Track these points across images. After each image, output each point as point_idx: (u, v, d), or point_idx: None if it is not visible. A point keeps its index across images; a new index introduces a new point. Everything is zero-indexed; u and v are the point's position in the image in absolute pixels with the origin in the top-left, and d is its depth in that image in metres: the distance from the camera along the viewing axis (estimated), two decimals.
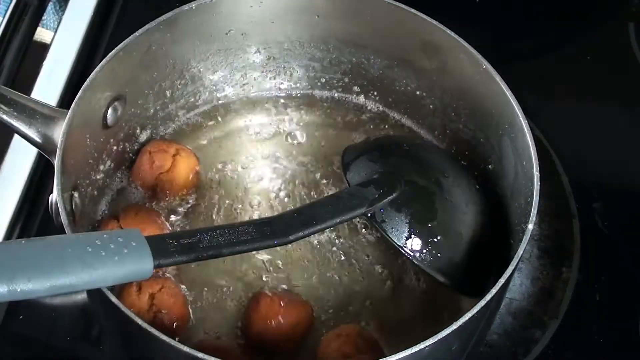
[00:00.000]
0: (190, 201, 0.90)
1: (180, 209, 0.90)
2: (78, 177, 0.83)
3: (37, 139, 0.80)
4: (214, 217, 0.90)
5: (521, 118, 0.81)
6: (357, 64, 0.96)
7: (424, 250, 0.81)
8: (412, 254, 0.81)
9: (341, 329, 0.82)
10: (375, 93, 0.97)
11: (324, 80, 0.98)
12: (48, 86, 1.01)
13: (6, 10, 1.04)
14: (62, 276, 0.61)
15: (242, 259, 0.87)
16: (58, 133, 0.79)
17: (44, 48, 1.05)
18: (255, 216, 0.90)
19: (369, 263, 0.88)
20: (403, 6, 0.88)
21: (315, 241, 0.89)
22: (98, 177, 0.88)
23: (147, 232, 0.69)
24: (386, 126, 0.97)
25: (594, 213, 0.98)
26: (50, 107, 0.82)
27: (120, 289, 0.81)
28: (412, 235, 0.81)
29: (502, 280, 0.73)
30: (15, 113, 0.80)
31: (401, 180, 0.83)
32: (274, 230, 0.75)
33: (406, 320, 0.85)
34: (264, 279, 0.87)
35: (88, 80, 0.81)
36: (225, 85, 0.97)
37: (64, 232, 0.74)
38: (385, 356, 0.68)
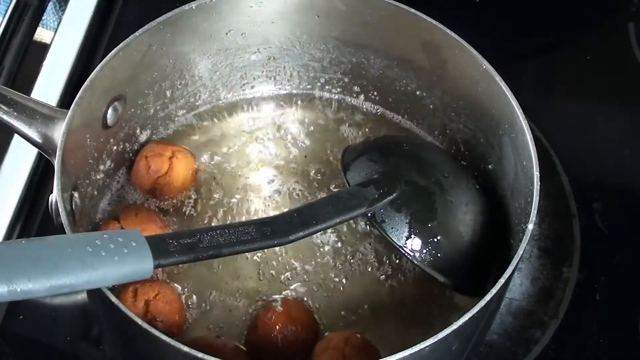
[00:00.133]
0: (190, 201, 0.90)
1: (180, 210, 0.90)
2: (78, 177, 0.83)
3: (37, 139, 0.80)
4: (213, 217, 0.90)
5: (521, 118, 0.81)
6: (357, 64, 0.96)
7: (424, 250, 0.81)
8: (412, 254, 0.81)
9: (328, 340, 0.81)
10: (375, 93, 0.97)
11: (324, 80, 0.98)
12: (48, 86, 1.01)
13: (6, 10, 1.04)
14: (62, 276, 0.61)
15: (241, 262, 0.87)
16: (58, 133, 0.79)
17: (44, 48, 1.05)
18: (255, 216, 0.90)
19: (368, 264, 0.88)
20: (403, 6, 0.88)
21: (314, 243, 0.89)
22: (98, 177, 0.88)
23: (147, 232, 0.69)
24: (386, 126, 0.97)
25: (594, 213, 0.98)
26: (50, 107, 0.82)
27: (115, 295, 0.81)
28: (412, 235, 0.81)
29: (502, 280, 0.73)
30: (15, 113, 0.80)
31: (401, 180, 0.83)
32: (274, 230, 0.75)
33: (405, 321, 0.85)
34: (263, 280, 0.87)
35: (88, 80, 0.81)
36: (225, 85, 0.97)
37: (64, 232, 0.74)
38: (382, 357, 0.68)
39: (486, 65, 0.85)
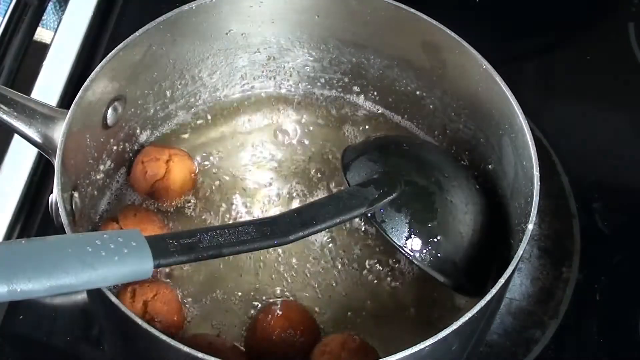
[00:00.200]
0: (189, 202, 0.90)
1: (179, 211, 0.90)
2: (78, 177, 0.83)
3: (37, 139, 0.80)
4: (213, 217, 0.90)
5: (521, 118, 0.81)
6: (357, 64, 0.96)
7: (424, 250, 0.81)
8: (412, 254, 0.81)
9: (325, 344, 0.81)
10: (375, 93, 0.97)
11: (323, 80, 0.98)
12: (48, 86, 1.01)
13: (6, 10, 1.04)
14: (62, 276, 0.61)
15: (241, 263, 0.87)
16: (58, 133, 0.79)
17: (44, 48, 1.05)
18: (255, 216, 0.90)
19: (368, 265, 0.88)
20: (403, 6, 0.88)
21: (314, 243, 0.89)
22: (98, 177, 0.88)
23: (147, 232, 0.69)
24: (386, 126, 0.97)
25: (594, 213, 0.98)
26: (50, 107, 0.82)
27: (114, 295, 0.81)
28: (412, 235, 0.81)
29: (502, 280, 0.73)
30: (15, 113, 0.80)
31: (401, 180, 0.83)
32: (274, 230, 0.75)
33: (405, 321, 0.85)
34: (262, 281, 0.87)
35: (88, 80, 0.81)
36: (225, 85, 0.97)
37: (64, 232, 0.74)
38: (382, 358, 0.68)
39: (486, 65, 0.85)
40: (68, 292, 0.63)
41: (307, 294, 0.86)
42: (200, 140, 0.96)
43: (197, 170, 0.92)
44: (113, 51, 0.83)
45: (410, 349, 0.68)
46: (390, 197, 0.82)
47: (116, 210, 0.88)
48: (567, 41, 1.15)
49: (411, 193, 0.83)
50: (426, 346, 0.69)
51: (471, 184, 0.87)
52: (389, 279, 0.87)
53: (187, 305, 0.84)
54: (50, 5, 1.09)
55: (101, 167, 0.88)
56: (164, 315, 0.80)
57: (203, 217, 0.90)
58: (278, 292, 0.86)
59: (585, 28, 1.16)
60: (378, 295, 0.86)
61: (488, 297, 0.72)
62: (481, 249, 0.83)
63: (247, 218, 0.90)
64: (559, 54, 1.14)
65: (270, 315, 0.82)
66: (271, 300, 0.85)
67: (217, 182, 0.92)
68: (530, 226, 0.76)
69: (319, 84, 0.98)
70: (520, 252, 0.75)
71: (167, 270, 0.86)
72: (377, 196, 0.82)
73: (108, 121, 0.86)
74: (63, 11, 1.08)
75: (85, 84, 0.81)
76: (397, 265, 0.88)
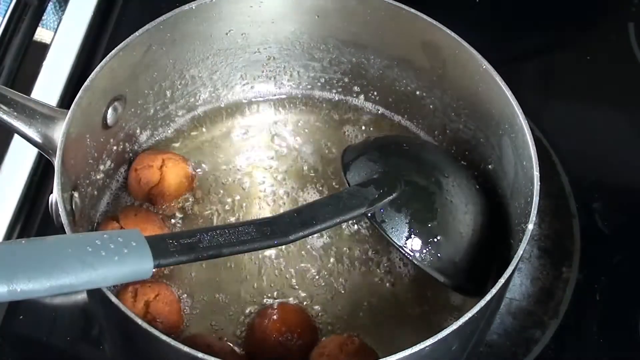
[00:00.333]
0: (188, 203, 0.90)
1: (178, 212, 0.90)
2: (78, 177, 0.83)
3: (37, 139, 0.80)
4: (213, 217, 0.90)
5: (521, 118, 0.81)
6: (357, 64, 0.96)
7: (424, 250, 0.81)
8: (412, 254, 0.81)
9: (324, 346, 0.81)
10: (375, 93, 0.97)
11: (323, 80, 0.98)
12: (48, 86, 1.01)
13: (6, 10, 1.04)
14: (62, 276, 0.61)
15: (240, 264, 0.87)
16: (58, 133, 0.79)
17: (44, 48, 1.05)
18: (255, 216, 0.90)
19: (367, 265, 0.88)
20: (403, 6, 0.88)
21: (313, 244, 0.89)
22: (98, 177, 0.88)
23: (147, 232, 0.69)
24: (386, 126, 0.97)
25: (594, 213, 0.98)
26: (50, 107, 0.82)
27: (115, 296, 0.81)
28: (412, 235, 0.81)
29: (502, 280, 0.73)
30: (15, 113, 0.80)
31: (401, 180, 0.83)
32: (274, 230, 0.75)
33: (405, 321, 0.85)
34: (261, 283, 0.87)
35: (88, 80, 0.81)
36: (225, 85, 0.97)
37: (64, 232, 0.74)
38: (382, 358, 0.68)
39: (486, 65, 0.85)
40: (68, 292, 0.63)
41: (307, 295, 0.86)
42: (199, 140, 0.96)
43: (194, 171, 0.92)
44: (113, 51, 0.83)
45: (410, 349, 0.68)
46: (390, 197, 0.82)
47: (116, 210, 0.88)
48: (567, 41, 1.15)
49: (411, 193, 0.83)
50: (426, 346, 0.69)
51: (471, 184, 0.87)
52: (388, 279, 0.87)
53: (185, 306, 0.84)
54: (50, 5, 1.08)
55: (101, 167, 0.88)
56: (166, 315, 0.81)
57: (202, 216, 0.90)
58: (277, 292, 0.86)
59: (585, 28, 1.16)
60: (378, 296, 0.86)
61: (488, 297, 0.72)
62: (481, 249, 0.83)
63: (247, 217, 0.90)
64: (559, 54, 1.14)
65: (266, 319, 0.82)
66: (269, 302, 0.85)
67: (216, 182, 0.92)
68: (530, 226, 0.76)
69: (319, 84, 0.98)
70: (520, 252, 0.75)
71: (165, 270, 0.86)
72: (377, 196, 0.82)
73: (108, 121, 0.86)
74: (63, 11, 1.08)
75: (85, 84, 0.81)
76: (396, 265, 0.88)
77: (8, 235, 0.91)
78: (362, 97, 0.98)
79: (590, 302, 0.92)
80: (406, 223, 0.82)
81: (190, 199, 0.90)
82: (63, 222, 0.74)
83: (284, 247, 0.87)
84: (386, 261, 0.88)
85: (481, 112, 0.88)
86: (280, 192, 0.92)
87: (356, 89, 0.98)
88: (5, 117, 0.80)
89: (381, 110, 0.98)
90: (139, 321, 0.69)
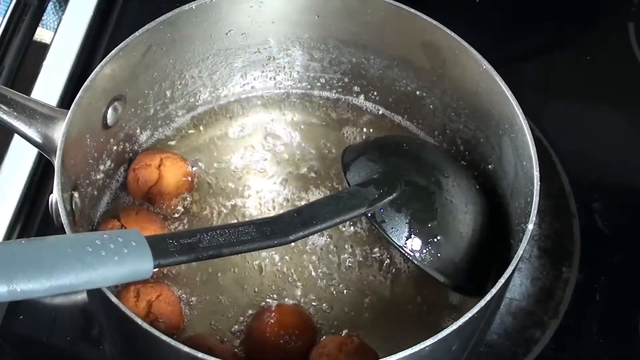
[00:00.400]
0: (188, 203, 0.90)
1: (178, 212, 0.90)
2: (78, 177, 0.83)
3: (37, 139, 0.80)
4: (212, 217, 0.90)
5: (521, 118, 0.81)
6: (357, 64, 0.96)
7: (424, 250, 0.81)
8: (412, 254, 0.81)
9: (323, 346, 0.81)
10: (375, 93, 0.97)
11: (323, 80, 0.98)
12: (48, 86, 1.01)
13: (6, 10, 1.04)
14: (62, 276, 0.61)
15: (240, 264, 0.87)
16: (58, 133, 0.79)
17: (44, 48, 1.05)
18: (254, 216, 0.90)
19: (367, 265, 0.88)
20: (403, 6, 0.88)
21: (313, 244, 0.89)
22: (98, 177, 0.88)
23: (147, 231, 0.69)
24: (386, 126, 0.97)
25: (594, 213, 0.98)
26: (50, 107, 0.82)
27: (117, 296, 0.81)
28: (412, 235, 0.81)
29: (502, 280, 0.73)
30: (15, 113, 0.80)
31: (401, 180, 0.83)
32: (274, 230, 0.75)
33: (405, 321, 0.85)
34: (260, 283, 0.87)
35: (88, 80, 0.81)
36: (225, 86, 0.97)
37: (64, 232, 0.74)
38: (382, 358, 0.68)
39: (486, 65, 0.85)
40: (68, 292, 0.63)
41: (307, 295, 0.86)
42: (199, 140, 0.96)
43: (194, 170, 0.92)
44: (113, 51, 0.83)
45: (410, 349, 0.68)
46: (390, 197, 0.82)
47: (116, 210, 0.88)
48: (567, 41, 1.15)
49: (411, 193, 0.83)
50: (426, 346, 0.69)
51: (471, 184, 0.87)
52: (388, 279, 0.87)
53: (186, 306, 0.84)
54: (50, 5, 1.08)
55: (101, 167, 0.88)
56: (167, 315, 0.81)
57: (202, 217, 0.90)
58: (277, 293, 0.86)
59: (585, 28, 1.16)
60: (378, 296, 0.86)
61: (488, 297, 0.72)
62: (481, 249, 0.83)
63: (247, 218, 0.90)
64: (559, 54, 1.14)
65: (265, 321, 0.82)
66: (270, 302, 0.85)
67: (216, 182, 0.92)
68: (530, 226, 0.76)
69: (318, 84, 0.98)
70: (520, 252, 0.75)
71: (165, 270, 0.86)
72: (377, 196, 0.82)
73: (108, 121, 0.86)
74: (63, 11, 1.08)
75: (85, 84, 0.81)
76: (396, 265, 0.88)
77: (8, 235, 0.91)
78: (362, 97, 0.98)
79: (590, 302, 0.92)
80: (406, 223, 0.82)
81: (189, 199, 0.90)
82: (63, 222, 0.74)
83: (284, 247, 0.87)
84: (386, 261, 0.88)
85: (481, 112, 0.88)
86: (280, 192, 0.92)
87: (356, 89, 0.98)
88: (5, 117, 0.80)
89: (381, 110, 0.98)
90: (139, 321, 0.69)
